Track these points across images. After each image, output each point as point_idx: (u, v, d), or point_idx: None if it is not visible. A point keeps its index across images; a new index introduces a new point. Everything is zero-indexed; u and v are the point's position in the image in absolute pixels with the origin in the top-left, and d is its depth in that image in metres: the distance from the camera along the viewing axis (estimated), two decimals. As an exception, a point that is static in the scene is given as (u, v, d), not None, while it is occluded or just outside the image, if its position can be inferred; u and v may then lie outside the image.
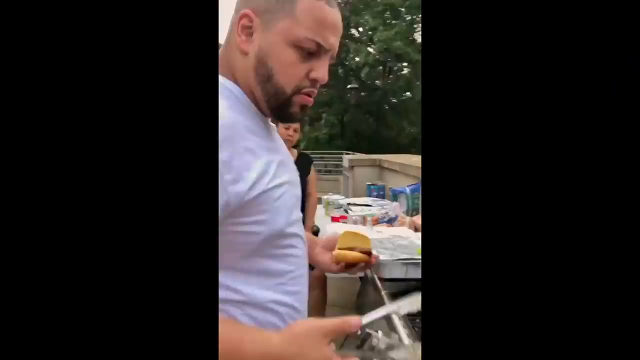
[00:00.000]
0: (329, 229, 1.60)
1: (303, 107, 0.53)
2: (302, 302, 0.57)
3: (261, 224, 0.49)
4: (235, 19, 0.51)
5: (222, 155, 0.43)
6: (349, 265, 0.64)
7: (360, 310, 1.19)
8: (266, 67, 0.50)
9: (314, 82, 0.51)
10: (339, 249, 0.64)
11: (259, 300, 0.51)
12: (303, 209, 1.83)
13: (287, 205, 0.52)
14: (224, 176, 0.44)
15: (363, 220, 1.66)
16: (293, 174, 0.58)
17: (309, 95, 0.52)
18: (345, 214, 1.91)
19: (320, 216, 2.03)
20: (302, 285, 0.57)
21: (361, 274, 1.17)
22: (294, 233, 0.55)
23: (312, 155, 2.33)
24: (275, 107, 0.52)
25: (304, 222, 1.99)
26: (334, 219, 1.85)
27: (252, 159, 0.48)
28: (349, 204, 2.29)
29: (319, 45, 0.49)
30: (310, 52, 0.49)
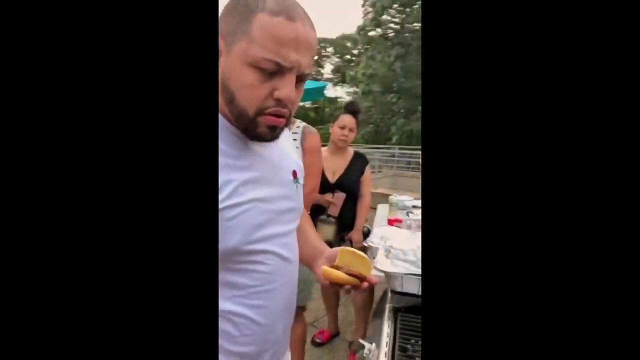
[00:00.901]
0: (385, 232, 1.56)
1: (272, 127, 0.52)
2: (265, 316, 0.57)
3: None
4: None
5: None
6: (335, 284, 0.61)
7: (377, 315, 1.16)
8: (228, 90, 0.50)
9: (278, 101, 0.49)
10: (332, 266, 0.62)
11: (229, 310, 0.53)
12: (353, 210, 1.82)
13: (247, 223, 0.53)
14: None
15: (415, 226, 1.57)
16: (273, 190, 0.58)
17: (277, 115, 0.51)
18: (403, 217, 1.83)
19: (384, 216, 1.98)
20: (267, 300, 0.57)
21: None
22: (261, 250, 0.55)
23: (403, 152, 2.26)
24: (243, 128, 0.53)
25: (351, 222, 1.92)
26: (390, 222, 1.79)
27: None
28: (414, 206, 2.18)
29: (278, 64, 0.47)
30: (271, 72, 0.48)
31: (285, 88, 0.48)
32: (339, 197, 1.80)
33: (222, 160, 0.51)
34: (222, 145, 0.52)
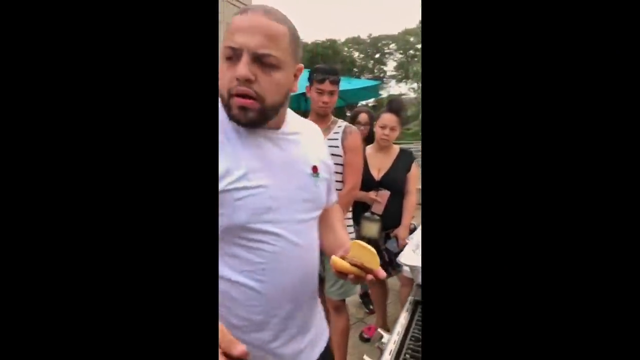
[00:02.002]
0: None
1: (241, 108, 0.58)
2: (270, 290, 0.64)
3: (221, 216, 0.58)
4: None
5: None
6: (341, 273, 0.64)
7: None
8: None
9: (238, 81, 0.57)
10: (341, 256, 0.66)
11: (225, 275, 0.62)
12: (398, 207, 1.81)
13: (254, 205, 0.61)
14: None
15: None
16: (283, 180, 0.65)
17: (241, 95, 0.57)
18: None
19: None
20: (272, 277, 0.64)
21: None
22: (266, 230, 0.62)
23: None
24: (228, 115, 0.60)
25: (397, 219, 1.90)
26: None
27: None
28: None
29: (232, 48, 0.56)
30: (229, 57, 0.57)
31: (239, 67, 0.56)
32: (383, 194, 1.81)
33: (237, 150, 0.61)
34: (226, 140, 0.61)
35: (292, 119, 0.72)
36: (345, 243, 0.74)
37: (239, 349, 0.49)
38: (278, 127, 0.67)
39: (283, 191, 0.65)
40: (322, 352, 0.77)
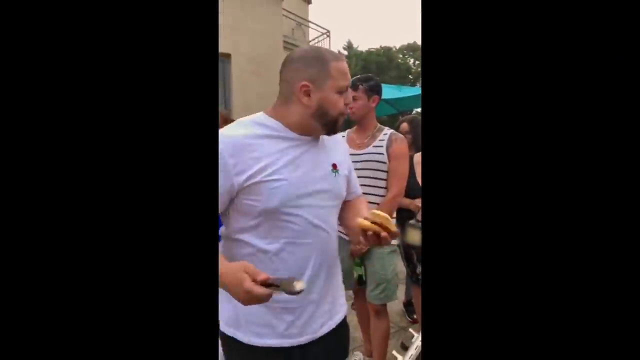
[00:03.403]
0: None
1: (343, 122, 0.86)
2: (293, 259, 0.81)
3: (258, 201, 0.78)
4: (293, 87, 0.82)
5: (231, 159, 0.76)
6: (364, 230, 0.77)
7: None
8: (323, 109, 0.82)
9: (347, 105, 0.84)
10: (365, 218, 0.78)
11: (258, 245, 0.80)
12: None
13: (284, 192, 0.78)
14: (231, 170, 0.76)
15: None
16: (308, 174, 0.82)
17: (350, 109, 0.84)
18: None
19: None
20: (299, 250, 0.82)
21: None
22: (295, 213, 0.80)
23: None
24: (330, 129, 0.86)
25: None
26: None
27: (253, 163, 0.78)
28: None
29: (345, 86, 0.83)
30: (341, 92, 0.83)
31: (348, 98, 0.85)
32: (429, 202, 1.81)
33: (269, 152, 0.80)
34: (271, 146, 0.81)
35: None
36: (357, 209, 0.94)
37: (262, 275, 0.64)
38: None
39: (306, 183, 0.82)
40: (339, 323, 0.92)
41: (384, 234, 0.75)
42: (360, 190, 1.03)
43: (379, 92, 1.61)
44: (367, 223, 0.75)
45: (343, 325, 0.94)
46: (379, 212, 0.77)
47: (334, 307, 0.91)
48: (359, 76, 1.63)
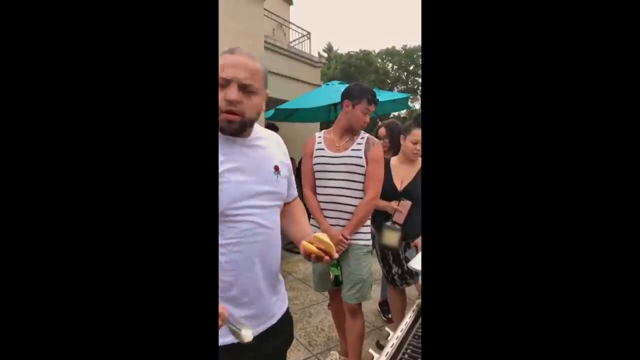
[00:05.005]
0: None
1: (228, 122, 0.80)
2: (244, 259, 0.84)
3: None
4: None
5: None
6: (307, 253, 0.83)
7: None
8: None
9: (229, 102, 0.79)
10: (309, 241, 0.84)
11: (220, 250, 0.83)
12: (419, 218, 1.84)
13: (229, 195, 0.80)
14: None
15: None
16: (251, 177, 0.85)
17: (228, 112, 0.79)
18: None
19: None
20: (246, 249, 0.84)
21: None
22: (241, 214, 0.82)
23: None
24: (222, 129, 0.83)
25: (418, 230, 1.92)
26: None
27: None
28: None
29: (224, 79, 0.79)
30: (222, 85, 0.79)
31: (230, 92, 0.79)
32: (405, 204, 1.86)
33: (222, 154, 0.82)
34: (222, 146, 0.82)
35: (258, 129, 0.92)
36: (309, 233, 0.94)
37: (222, 311, 0.68)
38: (248, 136, 0.88)
39: (250, 185, 0.85)
40: (285, 311, 0.97)
41: (326, 258, 0.82)
42: (296, 191, 1.07)
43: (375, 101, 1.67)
44: (311, 247, 0.82)
45: (288, 314, 0.99)
46: (321, 236, 0.83)
47: (279, 298, 0.96)
48: (366, 87, 1.69)
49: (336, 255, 0.83)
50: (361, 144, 1.63)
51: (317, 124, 6.30)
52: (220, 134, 0.83)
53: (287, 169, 0.97)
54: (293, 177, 1.04)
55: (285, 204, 0.99)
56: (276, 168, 0.91)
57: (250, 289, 0.85)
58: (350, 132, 1.66)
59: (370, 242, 1.69)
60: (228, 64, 0.80)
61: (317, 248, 0.81)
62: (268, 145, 0.93)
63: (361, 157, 1.61)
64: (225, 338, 0.82)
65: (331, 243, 0.83)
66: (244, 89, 0.80)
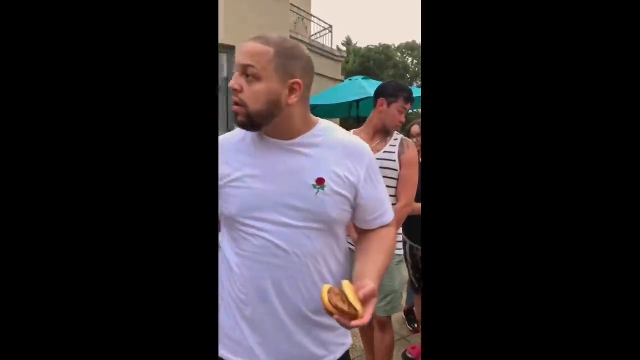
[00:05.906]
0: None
1: (235, 113, 0.70)
2: (248, 281, 0.74)
3: (221, 206, 0.75)
4: None
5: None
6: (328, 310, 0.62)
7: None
8: None
9: (234, 91, 0.69)
10: (329, 290, 0.63)
11: (227, 257, 0.77)
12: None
13: (243, 201, 0.72)
14: None
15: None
16: (276, 187, 0.72)
17: (234, 103, 0.70)
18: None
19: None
20: (254, 266, 0.73)
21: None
22: (253, 225, 0.72)
23: None
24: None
25: None
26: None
27: (222, 167, 0.73)
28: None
29: (238, 65, 0.69)
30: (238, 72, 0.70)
31: (232, 81, 0.69)
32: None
33: (243, 158, 0.75)
34: (247, 150, 0.75)
35: (318, 130, 0.75)
36: (364, 277, 0.70)
37: None
38: (289, 138, 0.73)
39: (272, 195, 0.71)
40: None
41: (352, 323, 0.60)
42: (390, 217, 0.82)
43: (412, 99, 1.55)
44: (327, 304, 0.61)
45: None
46: (346, 289, 0.63)
47: (321, 345, 0.76)
48: (402, 85, 1.58)
49: (366, 320, 0.62)
50: (395, 145, 1.53)
51: (337, 120, 6.21)
52: (255, 134, 0.74)
53: (343, 186, 0.73)
54: (371, 204, 0.77)
55: (363, 231, 0.80)
56: (320, 181, 0.70)
57: (267, 319, 0.73)
58: (383, 132, 1.55)
59: (402, 252, 1.60)
60: (238, 52, 0.70)
61: (334, 307, 0.60)
62: (321, 154, 0.73)
63: (395, 161, 1.51)
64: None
65: (355, 301, 0.61)
66: (245, 73, 0.67)
